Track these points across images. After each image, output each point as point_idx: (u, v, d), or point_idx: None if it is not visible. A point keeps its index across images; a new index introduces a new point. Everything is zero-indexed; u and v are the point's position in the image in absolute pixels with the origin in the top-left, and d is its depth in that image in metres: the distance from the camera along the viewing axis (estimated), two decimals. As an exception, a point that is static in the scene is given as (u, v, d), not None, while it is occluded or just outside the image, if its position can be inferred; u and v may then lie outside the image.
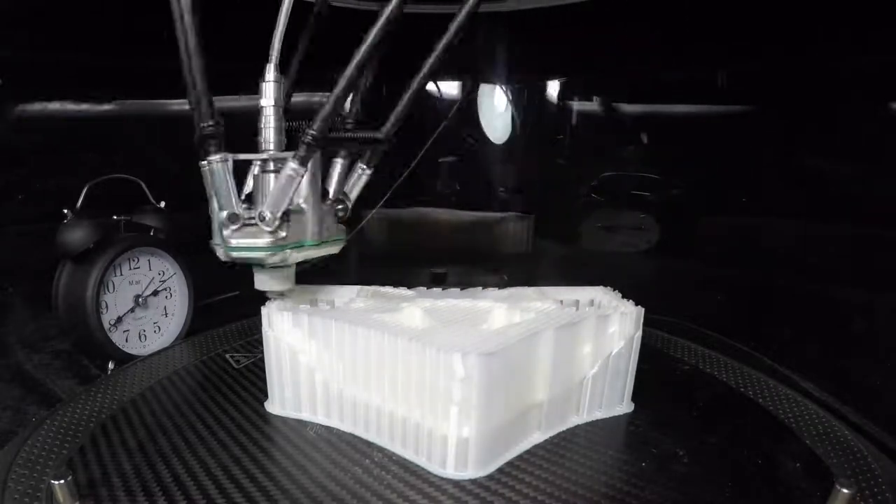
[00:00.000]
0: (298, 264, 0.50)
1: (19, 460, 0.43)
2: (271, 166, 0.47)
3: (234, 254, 0.46)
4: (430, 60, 0.46)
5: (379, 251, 1.10)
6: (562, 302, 0.53)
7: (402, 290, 0.57)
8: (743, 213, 0.79)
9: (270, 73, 0.47)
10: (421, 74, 0.46)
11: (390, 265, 1.09)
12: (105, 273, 0.64)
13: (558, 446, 0.47)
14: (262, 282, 0.50)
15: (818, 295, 0.70)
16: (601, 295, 0.56)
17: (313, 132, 0.44)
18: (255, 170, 0.49)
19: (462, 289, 0.57)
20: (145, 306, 0.70)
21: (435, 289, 0.57)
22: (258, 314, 0.51)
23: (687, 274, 0.88)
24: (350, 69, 0.44)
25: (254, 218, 0.45)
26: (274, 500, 0.39)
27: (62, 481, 0.36)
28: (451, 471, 0.42)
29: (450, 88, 1.08)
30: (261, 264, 0.48)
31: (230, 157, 0.45)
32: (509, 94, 1.03)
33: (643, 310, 0.52)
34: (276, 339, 0.50)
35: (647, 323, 0.52)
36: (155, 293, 0.71)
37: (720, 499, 0.41)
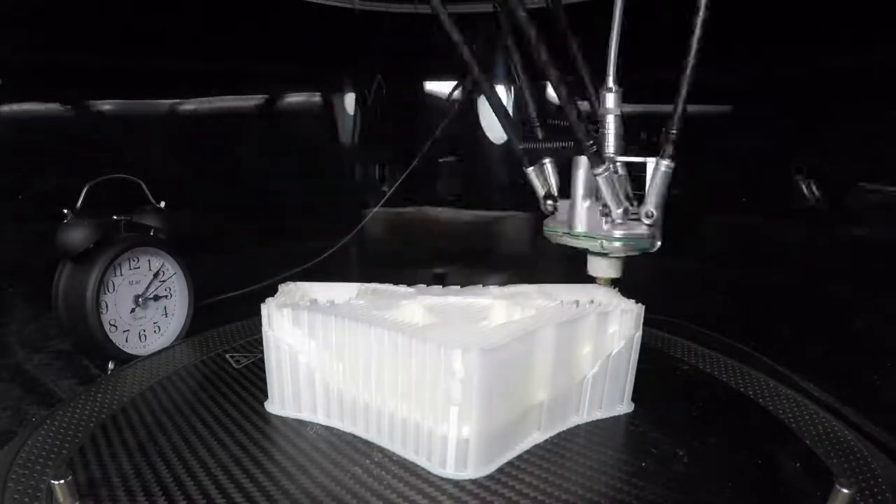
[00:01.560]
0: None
1: (19, 460, 0.43)
2: (612, 168, 0.52)
3: (618, 244, 0.52)
4: (694, 43, 0.47)
5: (379, 250, 1.10)
6: (562, 302, 0.53)
7: (403, 288, 0.57)
8: (743, 213, 0.79)
9: (611, 83, 0.52)
10: (689, 64, 0.48)
11: (390, 265, 1.09)
12: (105, 273, 0.64)
13: (558, 446, 0.47)
14: (598, 268, 0.56)
15: (818, 295, 0.70)
16: (602, 293, 0.56)
17: (675, 132, 0.49)
18: (582, 171, 0.54)
19: (462, 286, 0.57)
20: (145, 306, 0.70)
21: (435, 286, 0.57)
22: (258, 314, 0.51)
23: (687, 274, 0.88)
24: (688, 69, 0.47)
25: (637, 213, 0.51)
26: (274, 500, 0.39)
27: (62, 481, 0.36)
28: (451, 471, 0.42)
29: (450, 88, 1.08)
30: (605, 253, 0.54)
31: (611, 165, 0.52)
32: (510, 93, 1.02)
33: (643, 307, 0.52)
34: (276, 339, 0.50)
35: (647, 323, 0.52)
36: (155, 298, 0.71)
37: (720, 499, 0.41)
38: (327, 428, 0.49)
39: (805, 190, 0.67)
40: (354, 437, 0.48)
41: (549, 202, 0.60)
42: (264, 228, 0.99)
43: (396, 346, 0.44)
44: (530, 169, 0.60)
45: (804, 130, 0.70)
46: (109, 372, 0.64)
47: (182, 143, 0.88)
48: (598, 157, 0.50)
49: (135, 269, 0.69)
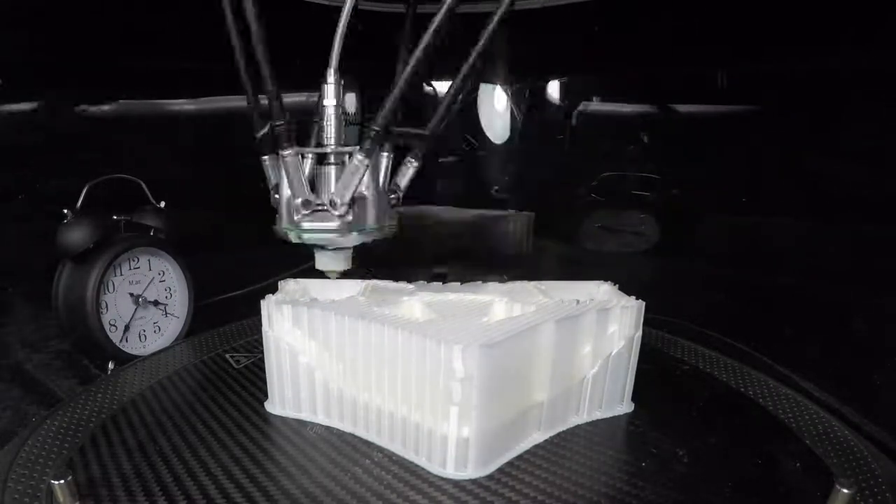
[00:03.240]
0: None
1: (19, 460, 0.43)
2: (332, 159, 0.52)
3: (306, 236, 0.52)
4: (471, 59, 0.49)
5: (379, 250, 1.10)
6: (562, 299, 0.53)
7: (403, 285, 0.57)
8: (743, 213, 0.79)
9: (331, 75, 0.52)
10: (461, 74, 0.50)
11: (390, 264, 1.09)
12: (105, 273, 0.64)
13: (558, 446, 0.47)
14: (323, 262, 0.55)
15: (818, 295, 0.70)
16: (602, 290, 0.56)
17: (377, 127, 0.49)
18: (309, 164, 0.55)
19: (462, 283, 0.57)
20: (145, 306, 0.70)
21: (435, 283, 0.57)
22: (258, 314, 0.51)
23: (687, 274, 0.88)
24: (408, 68, 0.47)
25: (324, 204, 0.51)
26: (274, 500, 0.39)
27: (62, 481, 0.36)
28: (451, 471, 0.42)
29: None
30: (324, 246, 0.54)
31: (301, 150, 0.51)
32: (509, 93, 1.03)
33: (644, 304, 0.51)
34: (276, 339, 0.50)
35: (647, 323, 0.52)
36: (156, 304, 0.71)
37: (720, 499, 0.41)
38: (327, 428, 0.49)
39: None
40: (354, 437, 0.48)
41: (276, 196, 0.57)
42: (264, 228, 0.99)
43: (396, 342, 0.43)
44: (265, 158, 0.58)
45: (804, 130, 0.70)
46: (109, 372, 0.64)
47: (182, 143, 0.88)
48: (284, 138, 0.49)
49: (135, 269, 0.69)
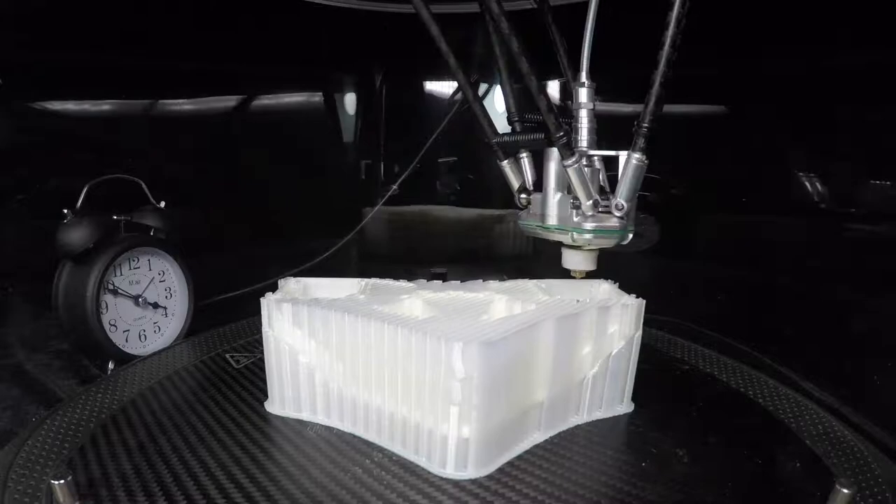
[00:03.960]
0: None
1: (19, 460, 0.43)
2: (585, 161, 0.52)
3: (590, 236, 0.51)
4: (669, 35, 0.47)
5: (379, 250, 1.10)
6: (562, 297, 0.53)
7: (403, 283, 0.57)
8: (743, 212, 0.79)
9: (583, 78, 0.52)
10: (663, 59, 0.48)
11: (390, 264, 1.09)
12: (105, 273, 0.64)
13: (558, 446, 0.47)
14: (574, 261, 0.54)
15: (818, 295, 0.70)
16: (602, 288, 0.55)
17: (647, 124, 0.48)
18: (553, 163, 0.54)
19: (462, 281, 0.57)
20: (145, 306, 0.70)
21: (435, 281, 0.57)
22: (258, 314, 0.51)
23: (687, 274, 0.88)
24: (661, 64, 0.46)
25: (608, 206, 0.51)
26: (274, 500, 0.39)
27: (62, 481, 0.36)
28: (451, 471, 0.42)
29: (450, 88, 1.08)
30: (580, 246, 0.54)
31: (582, 157, 0.51)
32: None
33: (644, 302, 0.51)
34: (276, 339, 0.50)
35: (647, 323, 0.52)
36: (155, 306, 0.71)
37: (720, 499, 0.40)
38: (327, 428, 0.49)
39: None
40: (354, 437, 0.48)
41: (523, 196, 0.59)
42: (264, 228, 0.99)
43: (396, 339, 0.43)
44: (505, 162, 0.59)
45: (804, 130, 0.70)
46: (109, 372, 0.64)
47: (182, 143, 0.88)
48: (567, 148, 0.50)
49: (135, 269, 0.69)
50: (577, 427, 0.50)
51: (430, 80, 1.09)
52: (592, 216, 0.51)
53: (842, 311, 0.66)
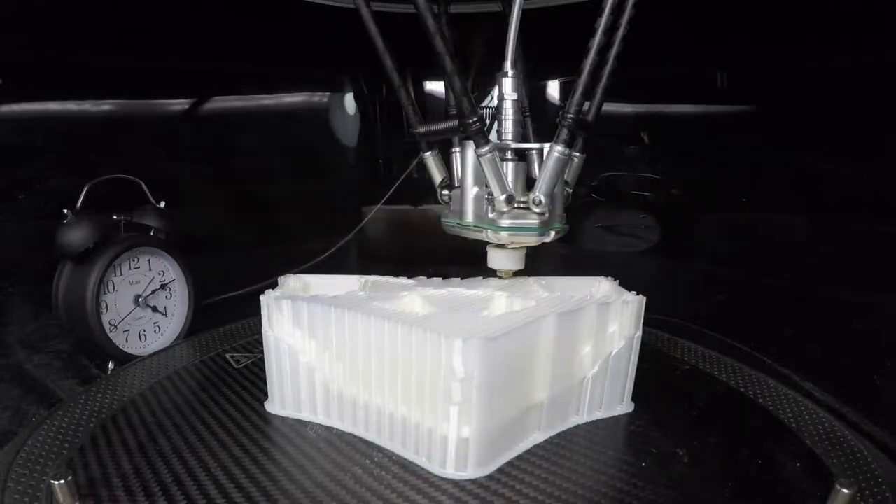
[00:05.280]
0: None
1: (19, 460, 0.43)
2: (509, 155, 0.50)
3: (505, 233, 0.49)
4: (617, 43, 0.47)
5: (379, 250, 1.10)
6: (562, 294, 0.52)
7: (403, 280, 0.57)
8: (743, 212, 0.79)
9: (509, 69, 0.50)
10: (610, 62, 0.48)
11: (390, 264, 1.09)
12: (105, 273, 0.64)
13: (558, 446, 0.47)
14: (498, 261, 0.53)
15: (818, 295, 0.70)
16: (602, 286, 0.55)
17: (571, 116, 0.46)
18: (472, 159, 0.51)
19: (462, 278, 0.57)
20: (145, 306, 0.70)
21: (435, 278, 0.57)
22: (258, 314, 0.51)
23: (687, 274, 0.88)
24: (590, 57, 0.45)
25: (525, 201, 0.48)
26: (274, 500, 0.39)
27: (62, 481, 0.36)
28: (451, 471, 0.42)
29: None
30: (506, 245, 0.51)
31: (497, 146, 0.48)
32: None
33: (644, 298, 0.51)
34: (276, 339, 0.50)
35: (648, 323, 0.52)
36: (154, 309, 0.71)
37: (720, 499, 0.41)
38: (327, 428, 0.49)
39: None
40: (354, 437, 0.48)
41: (445, 192, 0.56)
42: (264, 228, 0.99)
43: (396, 335, 0.43)
44: (428, 154, 0.56)
45: (804, 130, 0.70)
46: (109, 372, 0.64)
47: (182, 143, 0.88)
48: (480, 135, 0.46)
49: (135, 269, 0.69)
50: (577, 427, 0.50)
51: (431, 79, 1.09)
52: (508, 212, 0.48)
53: (842, 311, 0.66)
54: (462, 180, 0.51)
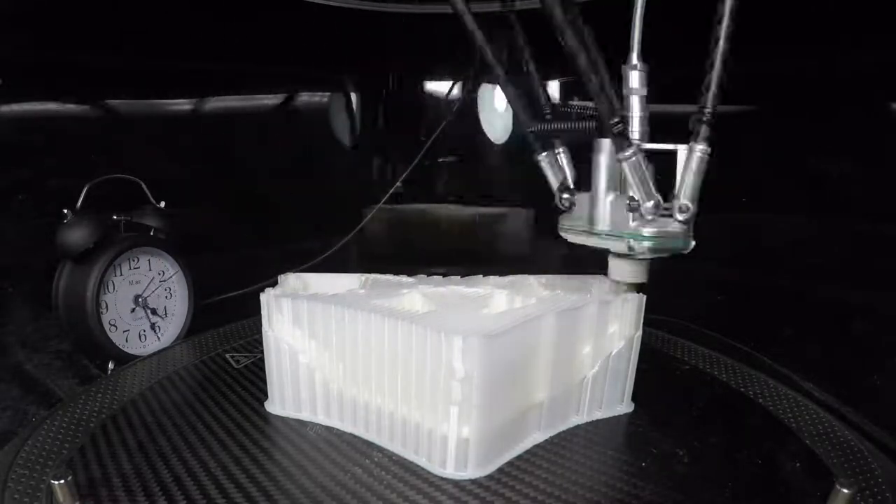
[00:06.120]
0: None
1: (19, 460, 0.43)
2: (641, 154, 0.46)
3: (648, 244, 0.45)
4: (724, 26, 0.44)
5: (379, 250, 1.10)
6: (562, 292, 0.52)
7: (403, 278, 0.57)
8: (743, 212, 0.79)
9: (635, 60, 0.45)
10: (720, 49, 0.44)
11: (390, 264, 1.09)
12: (105, 273, 0.64)
13: (558, 446, 0.47)
14: (623, 272, 0.49)
15: (818, 295, 0.69)
16: (603, 284, 0.55)
17: (710, 111, 0.42)
18: (604, 157, 0.47)
19: (463, 276, 0.57)
20: (145, 306, 0.70)
21: (435, 276, 0.57)
22: (258, 314, 0.51)
23: (687, 274, 0.88)
24: (720, 48, 0.43)
25: (668, 208, 0.44)
26: (274, 500, 0.39)
27: (62, 481, 0.36)
28: (451, 471, 0.42)
29: (449, 88, 1.08)
30: (631, 255, 0.47)
31: (640, 147, 0.45)
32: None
33: (644, 297, 0.51)
34: (276, 339, 0.50)
35: (647, 323, 0.52)
36: (153, 311, 0.71)
37: (720, 499, 0.41)
38: (327, 428, 0.49)
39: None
40: (354, 437, 0.48)
41: (566, 196, 0.51)
42: (264, 228, 0.99)
43: (396, 333, 0.43)
44: (542, 156, 0.52)
45: (804, 130, 0.70)
46: (109, 372, 0.64)
47: (182, 143, 0.88)
48: (624, 138, 0.42)
49: (135, 269, 0.69)
50: (577, 427, 0.50)
51: (431, 79, 1.09)
52: (652, 220, 0.44)
53: (842, 311, 0.66)
54: (594, 184, 0.47)
